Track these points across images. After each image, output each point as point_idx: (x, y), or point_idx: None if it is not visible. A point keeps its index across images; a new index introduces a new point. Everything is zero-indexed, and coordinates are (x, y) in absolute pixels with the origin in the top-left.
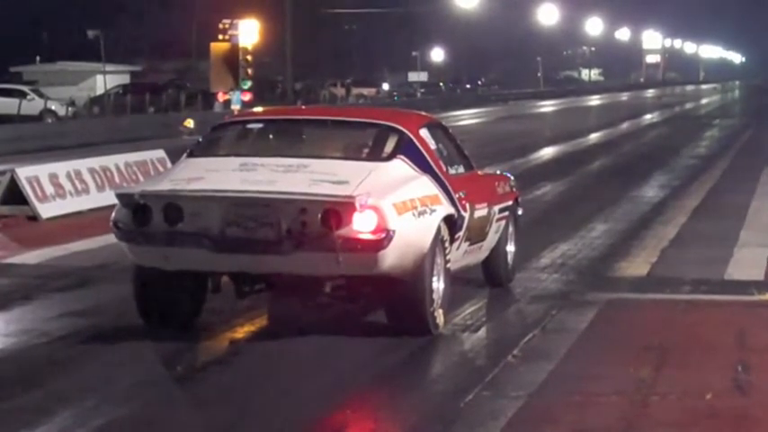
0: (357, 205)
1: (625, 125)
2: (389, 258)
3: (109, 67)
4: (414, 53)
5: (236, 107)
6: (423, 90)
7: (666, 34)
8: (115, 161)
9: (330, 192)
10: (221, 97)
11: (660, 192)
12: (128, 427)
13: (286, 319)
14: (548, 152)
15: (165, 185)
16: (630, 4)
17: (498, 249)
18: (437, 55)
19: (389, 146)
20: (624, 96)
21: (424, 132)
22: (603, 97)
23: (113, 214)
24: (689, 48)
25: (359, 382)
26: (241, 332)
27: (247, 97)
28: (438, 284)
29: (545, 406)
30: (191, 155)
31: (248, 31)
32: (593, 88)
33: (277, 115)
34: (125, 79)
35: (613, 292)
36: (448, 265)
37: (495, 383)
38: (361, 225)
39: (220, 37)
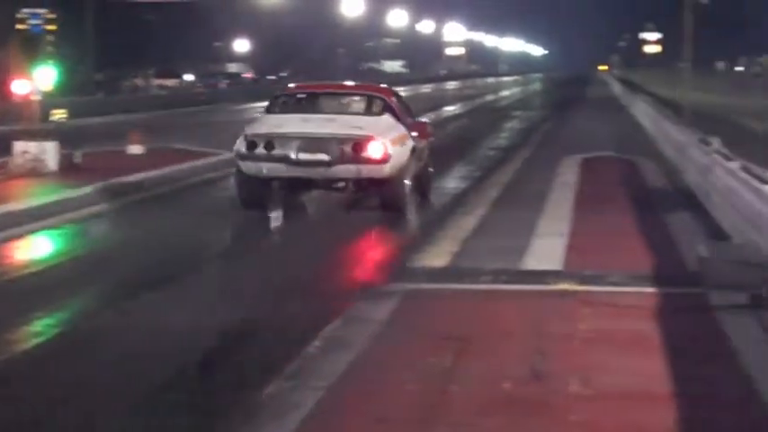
0: (373, 141)
1: (427, 117)
2: (389, 168)
3: None
4: (216, 44)
5: (36, 97)
6: (227, 81)
7: (469, 27)
8: None
9: (356, 133)
10: (21, 89)
11: (461, 183)
12: None
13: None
14: None
15: (264, 129)
16: None
17: (425, 169)
18: (241, 46)
19: (379, 107)
20: (427, 88)
21: (393, 99)
22: (406, 89)
23: (235, 146)
24: (491, 40)
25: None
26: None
27: (49, 86)
28: (409, 183)
29: (345, 396)
30: (267, 112)
31: (48, 22)
32: (395, 80)
33: (312, 89)
34: None
35: (414, 282)
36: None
37: (296, 374)
38: (375, 152)
39: (19, 27)
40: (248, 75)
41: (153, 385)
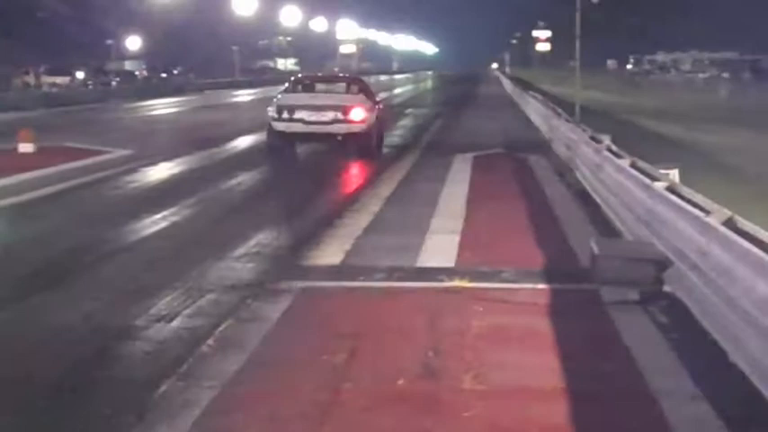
0: (356, 108)
1: None
2: (365, 126)
3: None
4: (108, 41)
5: None
6: (118, 79)
7: (361, 24)
8: None
9: (345, 103)
10: None
11: (355, 180)
12: None
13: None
14: (243, 142)
15: (288, 102)
16: None
17: (380, 130)
18: (133, 43)
19: (357, 88)
20: None
21: (364, 84)
22: None
23: (269, 113)
24: (383, 38)
25: None
26: None
27: None
28: (375, 138)
29: (239, 395)
30: (286, 91)
31: None
32: (288, 78)
33: (313, 78)
34: None
35: (308, 280)
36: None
37: (189, 374)
38: (357, 115)
39: None
40: (141, 72)
41: (42, 384)
